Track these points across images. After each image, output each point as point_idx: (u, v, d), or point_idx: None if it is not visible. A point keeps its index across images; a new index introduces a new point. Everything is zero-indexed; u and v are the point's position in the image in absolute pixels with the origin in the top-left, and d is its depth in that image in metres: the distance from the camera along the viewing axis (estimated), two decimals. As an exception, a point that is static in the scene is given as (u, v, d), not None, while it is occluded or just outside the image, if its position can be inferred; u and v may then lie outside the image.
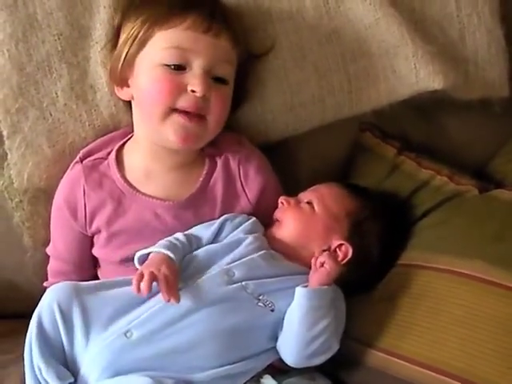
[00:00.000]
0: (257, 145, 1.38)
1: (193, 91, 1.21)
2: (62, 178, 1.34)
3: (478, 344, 1.12)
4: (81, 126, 1.35)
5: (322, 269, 1.21)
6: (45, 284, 1.38)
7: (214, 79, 1.24)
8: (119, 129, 1.36)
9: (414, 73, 1.36)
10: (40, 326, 1.16)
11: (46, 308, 1.17)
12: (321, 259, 1.22)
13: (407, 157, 1.41)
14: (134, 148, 1.32)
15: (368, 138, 1.46)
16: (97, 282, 1.24)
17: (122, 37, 1.27)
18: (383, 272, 1.30)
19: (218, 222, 1.27)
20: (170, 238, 1.23)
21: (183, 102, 1.22)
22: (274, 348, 1.20)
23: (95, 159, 1.33)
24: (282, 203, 1.31)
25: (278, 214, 1.32)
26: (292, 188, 1.37)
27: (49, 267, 1.39)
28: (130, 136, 1.35)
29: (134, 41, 1.24)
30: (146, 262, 1.19)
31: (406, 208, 1.35)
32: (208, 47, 1.23)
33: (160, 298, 1.15)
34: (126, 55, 1.25)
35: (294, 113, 1.39)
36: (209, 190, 1.30)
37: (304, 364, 1.20)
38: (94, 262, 1.36)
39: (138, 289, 1.12)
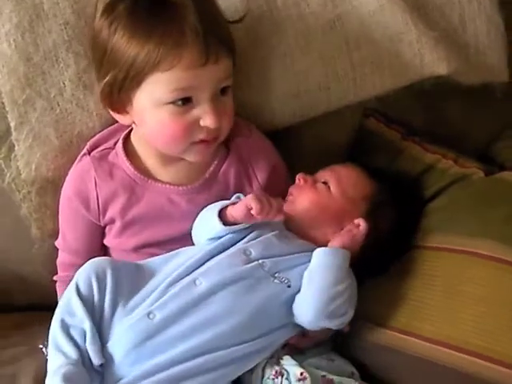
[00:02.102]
0: (263, 132, 1.38)
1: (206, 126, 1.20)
2: (69, 168, 1.34)
3: (495, 321, 1.14)
4: (88, 115, 1.34)
5: (348, 231, 1.24)
6: (55, 278, 1.38)
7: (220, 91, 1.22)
8: (125, 119, 1.36)
9: (419, 59, 1.38)
10: (80, 294, 1.16)
11: (84, 278, 1.17)
12: (356, 221, 1.25)
13: (412, 141, 1.43)
14: (140, 142, 1.31)
15: (372, 123, 1.47)
16: (132, 262, 1.24)
17: (109, 62, 1.19)
18: (397, 255, 1.32)
19: (233, 198, 1.28)
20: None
21: (200, 136, 1.22)
22: (291, 324, 1.22)
23: (103, 150, 1.32)
24: (299, 180, 1.32)
25: (293, 191, 1.32)
26: (295, 173, 1.36)
27: (58, 260, 1.38)
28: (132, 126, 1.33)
29: (125, 78, 1.18)
30: (235, 207, 1.22)
31: (416, 190, 1.37)
32: (210, 77, 1.19)
33: (182, 280, 1.18)
34: (120, 90, 1.20)
35: (300, 100, 1.40)
36: (221, 174, 1.31)
37: (321, 324, 1.21)
38: (104, 253, 1.36)
39: (250, 216, 1.19)
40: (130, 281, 1.20)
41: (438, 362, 1.16)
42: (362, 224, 1.26)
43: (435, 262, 1.26)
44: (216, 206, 1.25)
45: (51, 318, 1.22)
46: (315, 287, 1.20)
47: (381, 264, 1.32)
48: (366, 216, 1.29)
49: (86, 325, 1.14)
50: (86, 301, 1.16)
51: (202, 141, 1.23)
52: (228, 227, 1.22)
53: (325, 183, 1.32)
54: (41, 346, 1.29)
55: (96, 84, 1.28)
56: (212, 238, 1.25)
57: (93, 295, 1.17)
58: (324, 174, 1.34)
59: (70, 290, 1.18)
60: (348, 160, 1.42)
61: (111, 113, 1.26)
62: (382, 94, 1.42)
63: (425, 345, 1.18)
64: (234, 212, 1.22)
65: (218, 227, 1.22)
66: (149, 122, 1.22)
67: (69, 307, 1.17)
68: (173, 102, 1.19)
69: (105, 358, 1.14)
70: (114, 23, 1.19)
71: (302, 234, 1.28)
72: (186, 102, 1.19)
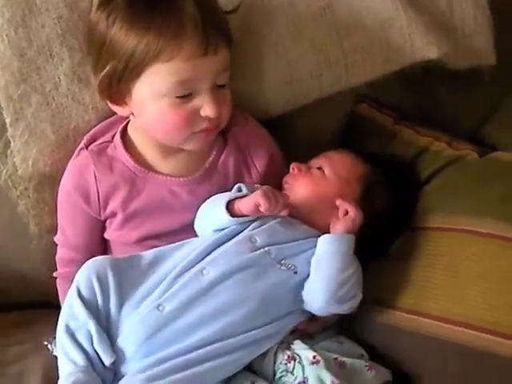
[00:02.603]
0: (257, 121, 1.39)
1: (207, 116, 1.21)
2: (66, 163, 1.33)
3: (500, 295, 1.16)
4: (84, 109, 1.34)
5: (347, 216, 1.25)
6: (54, 274, 1.37)
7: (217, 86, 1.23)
8: (121, 111, 1.36)
9: (409, 44, 1.40)
10: (81, 297, 1.16)
11: (85, 279, 1.17)
12: (344, 206, 1.25)
13: (404, 125, 1.45)
14: (138, 134, 1.31)
15: (364, 108, 1.49)
16: (132, 256, 1.23)
17: (108, 53, 1.19)
18: (396, 236, 1.34)
19: (234, 188, 1.29)
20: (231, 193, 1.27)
21: (201, 126, 1.23)
22: (299, 310, 1.23)
23: (101, 143, 1.32)
24: (293, 169, 1.34)
25: (288, 180, 1.34)
26: (289, 161, 1.37)
27: (57, 256, 1.37)
28: (129, 118, 1.32)
29: (124, 69, 1.18)
30: (243, 202, 1.22)
31: (410, 173, 1.39)
32: (210, 68, 1.20)
33: (189, 270, 1.18)
34: (119, 81, 1.20)
35: (292, 88, 1.41)
36: (220, 164, 1.32)
37: (332, 310, 1.22)
38: (104, 247, 1.36)
39: (258, 211, 1.20)
40: (133, 275, 1.20)
41: (447, 340, 1.18)
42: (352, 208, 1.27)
43: (437, 242, 1.28)
44: (220, 198, 1.26)
45: (52, 315, 1.22)
46: (323, 274, 1.21)
47: (381, 245, 1.34)
48: (361, 197, 1.31)
49: (91, 326, 1.14)
50: (88, 303, 1.16)
51: (202, 130, 1.23)
52: (235, 219, 1.23)
53: (319, 169, 1.34)
54: (46, 343, 1.30)
55: (92, 77, 1.27)
56: (217, 230, 1.25)
57: (95, 297, 1.17)
58: (317, 161, 1.36)
59: (71, 294, 1.18)
60: (341, 147, 1.43)
61: (109, 104, 1.26)
62: (373, 79, 1.43)
63: (433, 323, 1.20)
64: (242, 207, 1.22)
65: (225, 219, 1.23)
66: (149, 112, 1.22)
67: (71, 312, 1.17)
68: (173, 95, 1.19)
69: (116, 355, 1.14)
70: (111, 15, 1.18)
71: (303, 220, 1.29)
72: (186, 95, 1.19)
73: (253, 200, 1.21)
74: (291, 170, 1.35)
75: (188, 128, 1.22)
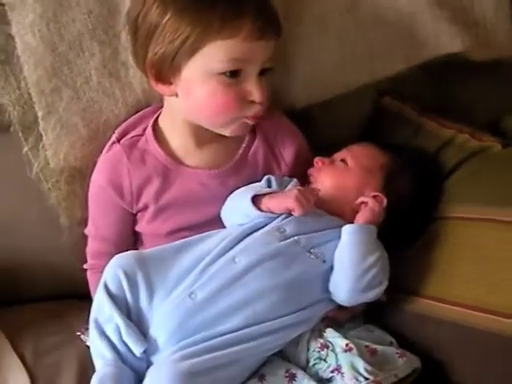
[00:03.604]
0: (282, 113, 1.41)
1: (253, 101, 1.24)
2: (96, 156, 1.35)
3: (530, 283, 1.18)
4: (114, 103, 1.36)
5: (366, 207, 1.28)
6: (85, 266, 1.39)
7: (260, 72, 1.25)
8: (150, 105, 1.38)
9: (433, 38, 1.42)
10: (109, 293, 1.18)
11: (112, 276, 1.19)
12: (362, 199, 1.30)
13: (428, 118, 1.47)
14: (170, 122, 1.33)
15: (388, 101, 1.51)
16: (157, 248, 1.25)
17: (162, 33, 1.20)
18: (421, 226, 1.35)
19: (264, 180, 1.31)
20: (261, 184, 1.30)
21: (248, 112, 1.25)
22: (327, 299, 1.25)
23: (132, 137, 1.34)
24: (316, 163, 1.36)
25: (312, 173, 1.36)
26: (313, 154, 1.39)
27: (88, 249, 1.39)
28: (160, 111, 1.35)
29: (180, 47, 1.19)
30: (273, 203, 1.25)
31: (435, 164, 1.40)
32: (261, 52, 1.22)
33: (220, 258, 1.21)
34: (173, 59, 1.20)
35: (317, 81, 1.43)
36: (251, 156, 1.34)
37: (358, 299, 1.25)
38: (134, 240, 1.38)
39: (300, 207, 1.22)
40: (160, 266, 1.22)
41: (477, 327, 1.20)
42: (369, 198, 1.30)
43: (463, 232, 1.29)
44: (246, 192, 1.28)
45: (84, 306, 1.25)
46: (346, 265, 1.24)
47: (406, 234, 1.35)
48: (384, 185, 1.33)
49: (117, 319, 1.16)
50: (116, 299, 1.18)
51: (250, 117, 1.26)
52: (264, 213, 1.25)
53: (342, 161, 1.36)
54: (78, 333, 1.32)
55: (121, 69, 1.32)
56: (245, 223, 1.28)
57: (124, 293, 1.18)
58: (340, 154, 1.38)
59: (100, 290, 1.20)
60: (365, 139, 1.44)
61: (153, 84, 1.26)
62: (396, 72, 1.45)
63: (461, 311, 1.22)
64: (272, 207, 1.25)
65: (253, 213, 1.25)
66: (198, 92, 1.23)
67: (100, 307, 1.19)
68: (223, 73, 1.21)
69: (148, 343, 1.16)
70: None
71: (328, 210, 1.31)
72: (234, 74, 1.21)
73: (285, 204, 1.24)
74: (315, 163, 1.37)
75: (237, 109, 1.24)
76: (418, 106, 1.49)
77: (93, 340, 1.18)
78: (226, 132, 1.29)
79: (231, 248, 1.23)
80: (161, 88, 1.26)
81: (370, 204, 1.29)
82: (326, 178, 1.35)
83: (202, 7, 1.18)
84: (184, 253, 1.23)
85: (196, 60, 1.21)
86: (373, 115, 1.53)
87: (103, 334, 1.17)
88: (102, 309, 1.18)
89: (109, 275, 1.20)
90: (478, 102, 1.56)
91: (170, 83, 1.25)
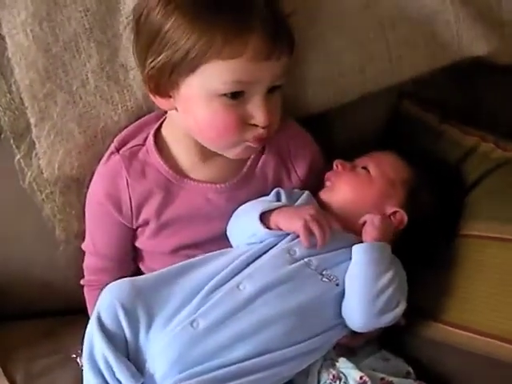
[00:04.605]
0: (297, 120, 1.31)
1: (256, 125, 1.14)
2: (94, 165, 1.26)
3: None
4: (113, 108, 1.27)
5: (369, 225, 1.19)
6: (82, 282, 1.31)
7: (270, 89, 1.14)
8: (153, 110, 1.28)
9: (457, 39, 1.34)
10: (102, 326, 1.09)
11: (107, 308, 1.10)
12: (365, 217, 1.20)
13: (449, 124, 1.37)
14: (173, 133, 1.23)
15: (408, 106, 1.41)
16: (154, 274, 1.16)
17: (162, 43, 1.10)
18: (442, 242, 1.27)
19: (272, 193, 1.22)
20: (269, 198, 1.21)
21: (250, 135, 1.15)
22: (341, 324, 1.17)
23: (132, 147, 1.24)
24: (336, 166, 1.27)
25: (330, 177, 1.26)
26: (330, 159, 1.30)
27: (85, 264, 1.31)
28: (163, 118, 1.26)
29: (179, 62, 1.10)
30: (283, 222, 1.16)
31: (457, 176, 1.31)
32: (269, 72, 1.12)
33: (224, 285, 1.12)
34: (171, 73, 1.11)
35: (334, 84, 1.34)
36: (259, 168, 1.25)
37: (373, 324, 1.15)
38: (134, 257, 1.29)
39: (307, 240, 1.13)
40: (160, 293, 1.13)
41: (504, 360, 1.11)
42: (399, 215, 1.22)
43: (486, 252, 1.20)
44: (253, 208, 1.19)
45: (80, 323, 1.17)
46: (357, 288, 1.15)
47: (424, 251, 1.26)
48: (406, 201, 1.24)
49: (109, 356, 1.07)
50: (111, 333, 1.09)
51: (252, 139, 1.15)
52: (273, 231, 1.16)
53: (364, 168, 1.26)
54: (74, 356, 1.24)
55: (120, 71, 1.23)
56: (253, 242, 1.19)
57: (122, 330, 1.10)
58: (362, 160, 1.29)
59: (92, 323, 1.11)
60: (383, 146, 1.35)
61: (151, 96, 1.17)
62: (418, 75, 1.36)
63: (486, 341, 1.14)
64: (282, 225, 1.16)
65: (261, 232, 1.16)
66: (198, 111, 1.13)
67: (92, 341, 1.10)
68: (225, 94, 1.11)
69: (146, 377, 1.08)
70: (173, 1, 1.10)
71: (342, 222, 1.21)
72: (237, 95, 1.11)
73: (293, 227, 1.15)
74: (334, 166, 1.27)
75: (238, 133, 1.14)
76: (439, 111, 1.39)
77: (86, 372, 1.10)
78: (229, 155, 1.19)
79: (237, 273, 1.14)
80: (159, 101, 1.17)
81: (375, 221, 1.19)
82: (345, 185, 1.25)
83: (204, 21, 1.08)
84: (186, 276, 1.14)
85: (196, 77, 1.11)
86: (391, 120, 1.44)
87: (96, 368, 1.08)
88: (93, 343, 1.09)
89: (103, 308, 1.11)
90: (503, 108, 1.46)
91: (169, 96, 1.15)
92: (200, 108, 1.13)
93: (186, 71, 1.10)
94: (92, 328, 1.10)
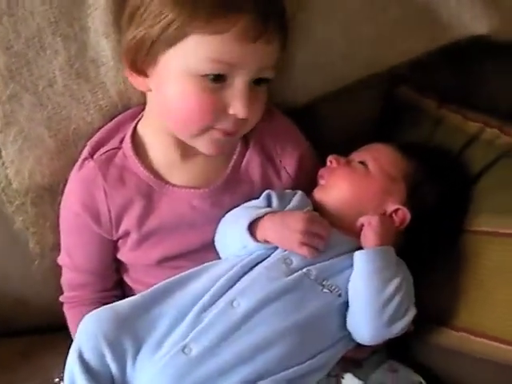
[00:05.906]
0: (284, 111, 1.22)
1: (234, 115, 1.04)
2: (67, 172, 1.17)
3: None
4: (85, 108, 1.17)
5: (367, 229, 1.10)
6: (61, 299, 1.21)
7: (255, 81, 1.06)
8: (129, 108, 1.18)
9: (456, 18, 1.22)
10: (84, 364, 1.00)
11: (88, 342, 1.01)
12: (361, 220, 1.11)
13: (449, 109, 1.27)
14: (151, 129, 1.14)
15: (404, 92, 1.32)
16: (137, 297, 1.07)
17: (144, 14, 1.03)
18: (448, 241, 1.18)
19: (262, 197, 1.13)
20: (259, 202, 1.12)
21: (223, 124, 1.06)
22: (347, 337, 1.08)
23: (107, 151, 1.15)
24: (330, 162, 1.17)
25: (324, 174, 1.17)
26: (322, 153, 1.21)
27: (63, 280, 1.22)
28: (140, 116, 1.16)
29: (161, 33, 1.02)
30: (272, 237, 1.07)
31: (461, 166, 1.22)
32: (255, 57, 1.03)
33: (216, 303, 1.02)
34: (151, 46, 1.03)
35: (323, 71, 1.24)
36: (243, 168, 1.16)
37: (383, 336, 1.07)
38: (116, 267, 1.20)
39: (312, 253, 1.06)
40: (146, 318, 1.04)
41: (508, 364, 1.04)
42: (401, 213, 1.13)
43: (496, 250, 1.12)
44: (241, 216, 1.09)
45: (62, 342, 1.09)
46: (361, 301, 1.06)
47: (428, 248, 1.18)
48: (408, 197, 1.14)
49: None
50: (94, 370, 1.00)
51: (222, 130, 1.06)
52: (263, 244, 1.07)
53: (361, 163, 1.17)
54: (57, 380, 1.14)
55: (91, 67, 1.14)
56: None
57: (107, 366, 1.01)
58: (359, 154, 1.19)
59: (73, 358, 1.01)
60: (379, 136, 1.27)
61: (128, 74, 1.09)
62: (413, 58, 1.26)
63: (500, 347, 1.05)
64: (272, 240, 1.07)
65: (251, 245, 1.07)
66: (171, 92, 1.05)
67: (72, 377, 1.01)
68: (205, 76, 1.02)
69: None
70: None
71: (337, 225, 1.12)
72: (218, 79, 1.02)
73: (288, 246, 1.06)
74: (328, 162, 1.18)
75: (210, 117, 1.05)
76: (437, 96, 1.29)
77: None
78: (201, 147, 1.10)
79: (228, 289, 1.05)
80: (135, 80, 1.09)
81: (373, 223, 1.10)
82: (340, 181, 1.15)
83: None
84: (173, 295, 1.05)
85: (176, 51, 1.02)
86: (386, 108, 1.34)
87: None
88: (74, 379, 1.00)
89: (84, 343, 1.01)
90: (505, 90, 1.35)
91: (146, 75, 1.07)
92: (172, 85, 1.05)
93: (167, 44, 1.02)
94: (73, 367, 1.01)
